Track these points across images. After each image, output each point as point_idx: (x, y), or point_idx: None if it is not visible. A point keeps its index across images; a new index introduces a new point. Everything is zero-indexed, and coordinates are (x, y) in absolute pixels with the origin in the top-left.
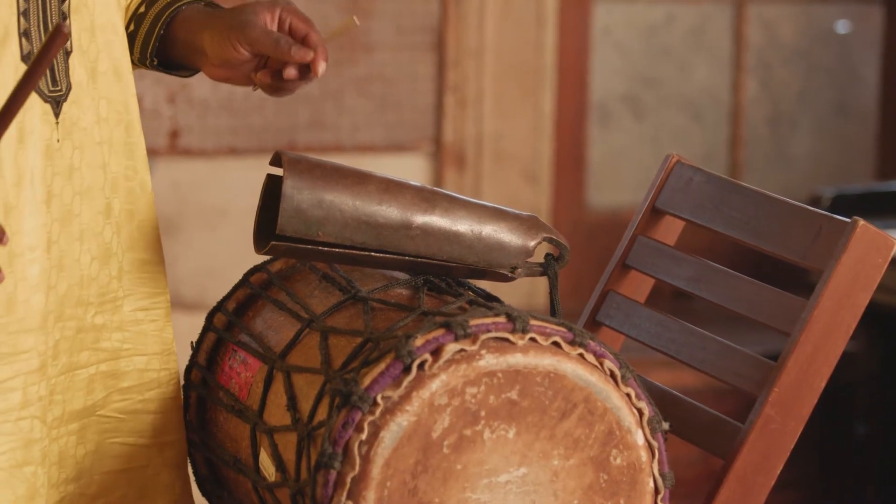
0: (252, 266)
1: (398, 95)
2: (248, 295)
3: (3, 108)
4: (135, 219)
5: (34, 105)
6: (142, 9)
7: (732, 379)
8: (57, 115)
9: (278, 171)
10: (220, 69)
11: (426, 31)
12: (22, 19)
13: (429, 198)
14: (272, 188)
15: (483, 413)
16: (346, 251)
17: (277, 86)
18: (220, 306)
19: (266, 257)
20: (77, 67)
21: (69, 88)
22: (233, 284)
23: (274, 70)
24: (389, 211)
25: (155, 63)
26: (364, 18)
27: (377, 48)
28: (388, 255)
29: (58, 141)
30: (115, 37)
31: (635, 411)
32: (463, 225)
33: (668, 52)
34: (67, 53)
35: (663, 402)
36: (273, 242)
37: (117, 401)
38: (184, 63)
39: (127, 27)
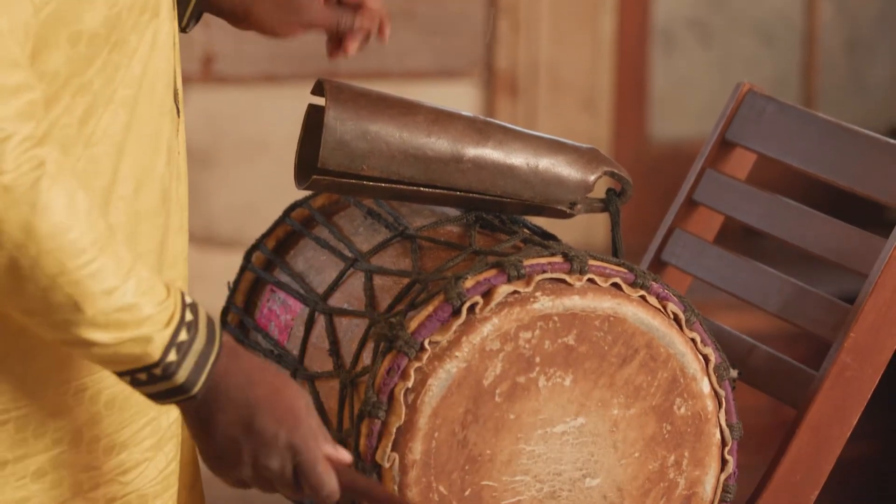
0: (293, 201)
1: (447, 19)
2: (289, 232)
3: None
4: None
5: (169, 119)
6: None
7: (806, 323)
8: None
9: (320, 101)
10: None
11: None
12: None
13: (481, 129)
14: (314, 119)
15: (538, 359)
16: (393, 186)
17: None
18: (258, 244)
19: (307, 192)
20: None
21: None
22: (271, 221)
23: (332, 40)
24: (439, 143)
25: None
26: None
27: None
28: (437, 191)
29: (178, 153)
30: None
31: (701, 358)
32: (518, 158)
33: None
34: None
35: (731, 347)
36: (315, 176)
37: None
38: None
39: None
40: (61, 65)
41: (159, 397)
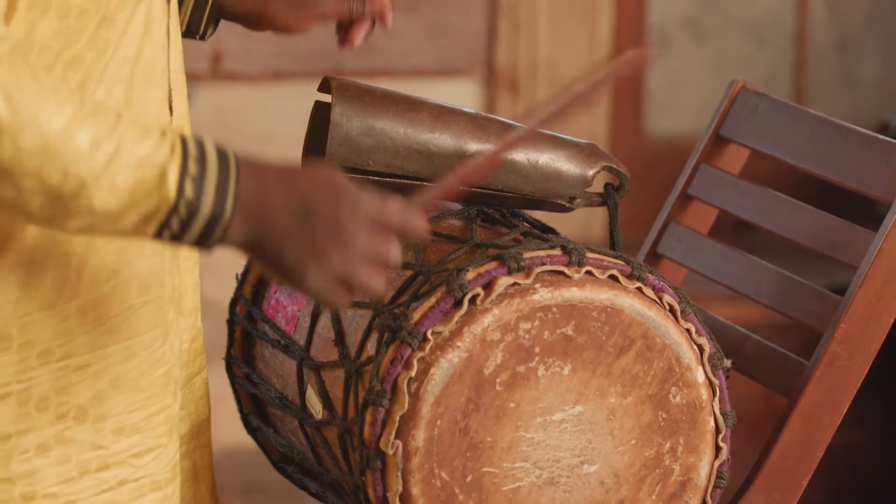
0: None
1: (449, 18)
2: None
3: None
4: None
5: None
6: None
7: (797, 314)
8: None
9: (326, 98)
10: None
11: None
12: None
13: (483, 125)
14: (320, 116)
15: (537, 349)
16: (398, 181)
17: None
18: None
19: None
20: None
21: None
22: None
23: (341, 31)
24: (442, 139)
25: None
26: None
27: None
28: None
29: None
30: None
31: (695, 347)
32: (518, 153)
33: None
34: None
35: (725, 337)
36: None
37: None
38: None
39: None
40: (51, 38)
41: (204, 239)
